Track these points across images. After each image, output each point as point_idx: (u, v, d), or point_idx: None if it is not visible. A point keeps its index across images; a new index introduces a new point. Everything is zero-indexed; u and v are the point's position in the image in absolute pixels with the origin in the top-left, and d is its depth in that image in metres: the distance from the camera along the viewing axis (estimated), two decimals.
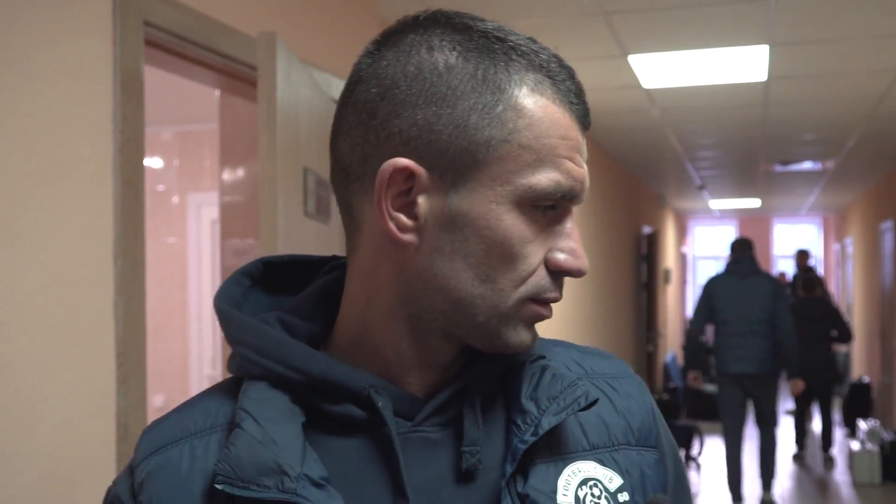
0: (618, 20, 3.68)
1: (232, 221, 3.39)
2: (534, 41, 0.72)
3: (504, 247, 0.69)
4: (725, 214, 14.76)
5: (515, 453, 0.71)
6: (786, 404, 9.58)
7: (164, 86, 3.71)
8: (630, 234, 9.33)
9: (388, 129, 0.69)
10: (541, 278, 0.71)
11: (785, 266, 15.03)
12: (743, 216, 15.23)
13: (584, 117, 0.73)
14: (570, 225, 0.73)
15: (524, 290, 0.71)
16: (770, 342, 5.67)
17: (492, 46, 0.70)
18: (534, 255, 0.71)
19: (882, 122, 5.96)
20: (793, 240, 15.41)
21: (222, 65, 2.28)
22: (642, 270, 10.22)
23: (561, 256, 0.72)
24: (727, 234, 15.94)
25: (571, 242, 0.72)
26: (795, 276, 10.94)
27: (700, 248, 16.37)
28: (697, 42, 4.03)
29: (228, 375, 0.78)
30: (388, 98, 0.70)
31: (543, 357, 0.78)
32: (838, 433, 8.89)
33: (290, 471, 0.67)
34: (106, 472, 1.80)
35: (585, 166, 0.73)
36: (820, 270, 14.68)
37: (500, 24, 0.72)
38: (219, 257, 3.65)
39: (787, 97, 5.25)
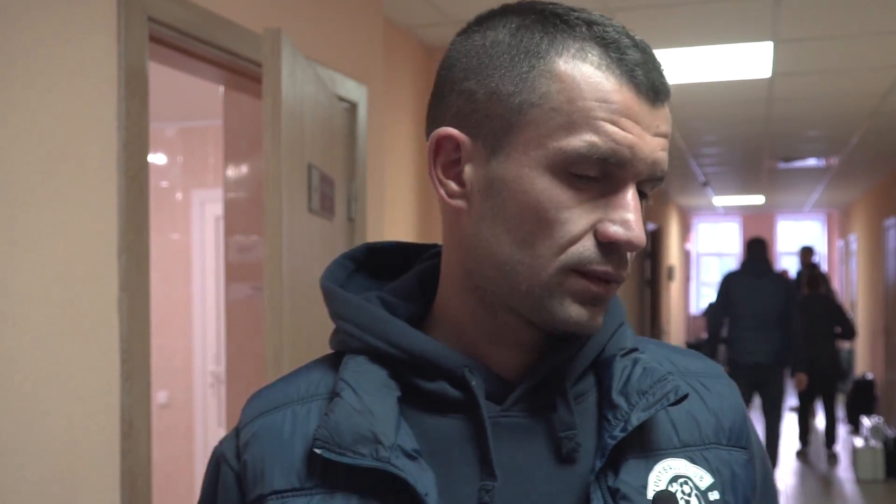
0: (621, 17, 3.68)
1: (236, 218, 3.40)
2: (603, 17, 0.71)
3: (537, 211, 0.69)
4: (729, 211, 14.74)
5: (605, 448, 0.71)
6: (790, 401, 9.57)
7: (168, 82, 3.71)
8: None
9: (444, 105, 0.74)
10: (585, 248, 0.69)
11: (788, 263, 15.00)
12: (747, 213, 15.20)
13: (648, 86, 0.69)
14: (629, 197, 0.69)
15: (564, 258, 0.69)
16: (780, 336, 6.07)
17: (544, 22, 0.71)
18: (573, 221, 0.69)
19: (886, 119, 5.95)
20: (797, 236, 15.39)
21: (227, 61, 2.28)
22: (646, 267, 10.21)
23: (611, 227, 0.69)
24: (731, 230, 15.93)
25: (625, 214, 0.69)
26: (799, 273, 10.91)
27: (704, 245, 16.35)
28: (701, 39, 4.03)
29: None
30: (447, 78, 0.74)
31: (636, 350, 0.78)
32: (842, 430, 8.88)
33: (384, 440, 0.69)
34: (110, 469, 1.80)
35: (651, 138, 0.69)
36: (824, 267, 14.66)
37: (576, 7, 0.72)
38: (223, 254, 3.65)
39: (791, 94, 5.24)
